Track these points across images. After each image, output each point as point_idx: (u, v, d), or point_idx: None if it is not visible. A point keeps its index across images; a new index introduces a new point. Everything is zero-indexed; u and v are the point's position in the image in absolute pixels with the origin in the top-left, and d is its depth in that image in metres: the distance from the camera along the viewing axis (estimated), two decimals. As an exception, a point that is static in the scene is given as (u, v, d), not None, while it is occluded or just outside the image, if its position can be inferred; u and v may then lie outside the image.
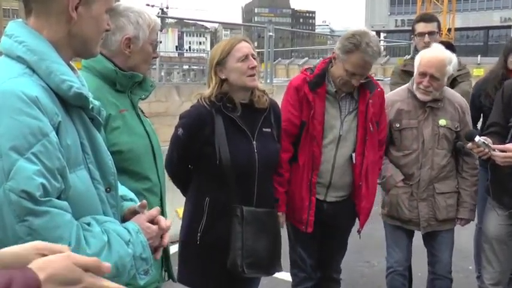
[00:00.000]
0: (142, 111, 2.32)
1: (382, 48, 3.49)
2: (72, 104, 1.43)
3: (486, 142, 2.83)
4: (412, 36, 4.26)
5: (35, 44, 1.39)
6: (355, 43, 2.77)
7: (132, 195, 1.77)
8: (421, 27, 4.04)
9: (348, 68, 2.81)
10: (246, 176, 2.59)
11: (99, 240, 1.37)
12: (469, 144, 2.92)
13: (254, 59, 2.57)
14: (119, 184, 1.76)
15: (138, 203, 1.62)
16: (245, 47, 2.56)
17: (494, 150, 2.83)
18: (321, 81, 2.95)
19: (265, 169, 2.65)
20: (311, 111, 2.91)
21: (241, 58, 2.53)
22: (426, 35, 3.97)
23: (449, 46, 3.95)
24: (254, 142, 2.60)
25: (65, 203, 1.31)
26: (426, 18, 4.21)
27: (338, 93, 2.95)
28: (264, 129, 2.66)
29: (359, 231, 3.14)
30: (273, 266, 2.73)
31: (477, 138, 2.85)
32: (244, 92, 2.60)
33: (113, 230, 1.43)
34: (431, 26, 4.04)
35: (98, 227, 1.40)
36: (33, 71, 1.36)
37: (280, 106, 2.91)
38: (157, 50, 2.35)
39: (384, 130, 3.10)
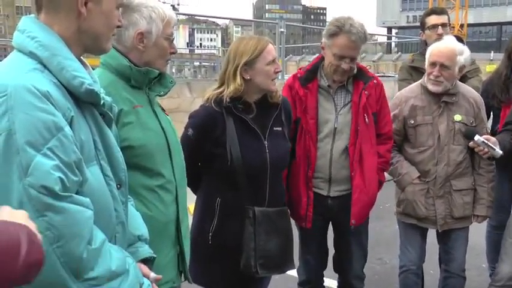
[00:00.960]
0: (163, 108, 2.29)
1: (367, 32, 3.39)
2: (83, 100, 1.43)
3: (486, 141, 2.82)
4: (421, 32, 4.17)
5: (47, 40, 1.39)
6: (338, 25, 2.80)
7: (147, 234, 1.77)
8: (433, 19, 3.97)
9: (335, 51, 2.82)
10: (258, 175, 2.57)
11: (122, 264, 1.40)
12: (471, 143, 2.93)
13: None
14: (136, 215, 1.77)
15: (154, 275, 1.63)
16: (273, 50, 2.55)
17: (494, 149, 2.81)
18: (312, 77, 2.96)
19: (276, 168, 2.63)
20: (303, 106, 2.91)
21: (270, 62, 2.51)
22: (439, 27, 3.90)
23: (458, 40, 3.91)
24: (265, 142, 2.58)
25: (86, 200, 1.32)
26: (437, 10, 4.13)
27: (331, 87, 2.94)
28: (275, 128, 2.64)
29: (352, 224, 2.99)
30: (286, 264, 2.72)
31: (476, 137, 2.85)
32: (260, 93, 2.59)
33: (133, 266, 1.45)
34: (443, 18, 3.98)
35: (124, 253, 1.45)
36: (45, 66, 1.37)
37: None
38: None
39: (387, 124, 3.04)
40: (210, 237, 2.58)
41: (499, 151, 2.85)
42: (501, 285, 3.17)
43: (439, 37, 3.69)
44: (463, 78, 3.78)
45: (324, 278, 3.36)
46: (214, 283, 2.71)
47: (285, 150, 2.71)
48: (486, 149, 2.85)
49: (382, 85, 3.04)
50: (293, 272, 4.19)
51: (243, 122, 2.54)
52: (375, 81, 2.97)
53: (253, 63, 2.49)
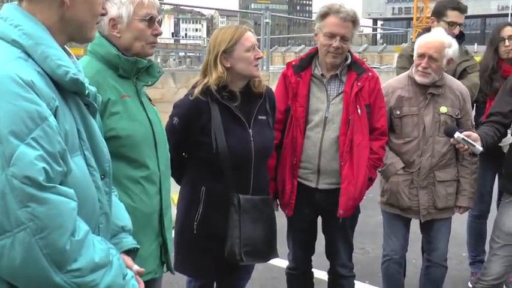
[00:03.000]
0: (150, 99, 2.28)
1: (357, 15, 3.36)
2: (68, 90, 1.41)
3: (466, 139, 2.83)
4: (432, 19, 3.97)
5: (31, 28, 1.37)
6: (328, 7, 2.88)
7: (130, 225, 1.76)
8: (455, 16, 3.80)
9: (326, 31, 2.86)
10: (243, 164, 2.59)
11: (106, 255, 1.39)
12: (451, 140, 2.94)
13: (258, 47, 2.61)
14: (120, 205, 1.76)
15: (137, 268, 1.62)
16: (252, 37, 2.58)
17: (474, 146, 2.84)
18: (305, 65, 2.99)
19: (261, 156, 2.66)
20: (293, 93, 2.94)
21: (249, 48, 2.54)
22: (457, 27, 3.77)
23: (460, 34, 3.85)
24: (250, 130, 2.61)
25: (70, 191, 1.31)
26: (462, 8, 3.85)
27: (325, 76, 2.96)
28: (259, 117, 2.66)
29: (339, 215, 2.93)
30: (270, 252, 2.75)
31: (456, 135, 2.86)
32: (244, 80, 2.62)
33: (117, 257, 1.45)
34: (462, 18, 3.83)
35: (107, 244, 1.44)
36: (29, 55, 1.34)
37: None
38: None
39: (381, 119, 3.02)
40: (195, 226, 2.59)
41: (479, 147, 2.87)
42: (488, 281, 3.21)
43: (452, 36, 3.57)
44: (463, 73, 3.75)
45: (315, 270, 3.39)
46: (198, 272, 2.72)
47: (270, 138, 2.74)
48: (466, 146, 2.87)
49: (378, 78, 3.02)
50: (278, 262, 4.21)
51: (228, 110, 2.56)
52: (370, 73, 2.96)
53: (231, 51, 2.52)
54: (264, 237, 2.66)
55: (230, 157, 2.52)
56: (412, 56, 3.84)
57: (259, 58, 2.58)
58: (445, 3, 3.93)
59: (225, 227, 2.57)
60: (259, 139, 2.61)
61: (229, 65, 2.54)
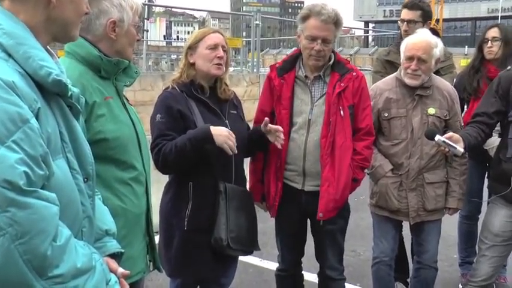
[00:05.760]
0: (127, 99, 2.29)
1: (340, 15, 2.97)
2: (50, 91, 1.38)
3: (446, 141, 2.83)
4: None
5: (12, 28, 1.34)
6: (309, 8, 2.89)
7: (114, 228, 1.74)
8: (403, 13, 3.95)
9: (307, 33, 2.86)
10: (225, 153, 2.64)
11: (88, 260, 1.36)
12: (433, 143, 2.94)
13: (224, 50, 2.71)
14: (104, 209, 1.74)
15: (121, 271, 1.59)
16: (217, 37, 2.71)
17: (455, 148, 2.83)
18: (289, 67, 3.00)
19: (239, 146, 2.72)
20: (277, 96, 2.96)
21: (210, 46, 2.68)
22: (405, 23, 3.88)
23: (434, 33, 3.90)
24: (226, 121, 2.71)
25: (52, 195, 1.27)
26: (408, 5, 4.00)
27: (308, 77, 2.96)
28: (231, 111, 2.80)
29: (319, 218, 2.91)
30: (252, 244, 2.82)
31: (437, 138, 2.86)
32: (208, 79, 2.72)
33: (100, 262, 1.42)
34: (412, 14, 3.90)
35: (91, 249, 1.41)
36: (9, 55, 1.31)
37: None
38: (144, 35, 2.33)
39: (366, 118, 2.99)
40: (186, 223, 2.63)
41: (460, 149, 2.86)
42: (477, 282, 3.21)
43: (405, 33, 3.68)
44: (436, 74, 3.77)
45: (307, 273, 3.39)
46: (196, 272, 2.73)
47: (244, 129, 2.86)
48: (447, 149, 2.87)
49: (362, 77, 3.00)
50: (269, 265, 4.20)
51: (203, 103, 2.68)
52: (354, 73, 2.94)
53: (195, 48, 2.71)
54: (247, 227, 2.75)
55: (214, 146, 2.59)
56: (387, 61, 3.89)
57: (219, 57, 2.68)
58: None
59: (213, 217, 2.63)
60: (235, 130, 2.67)
61: (193, 61, 2.71)
